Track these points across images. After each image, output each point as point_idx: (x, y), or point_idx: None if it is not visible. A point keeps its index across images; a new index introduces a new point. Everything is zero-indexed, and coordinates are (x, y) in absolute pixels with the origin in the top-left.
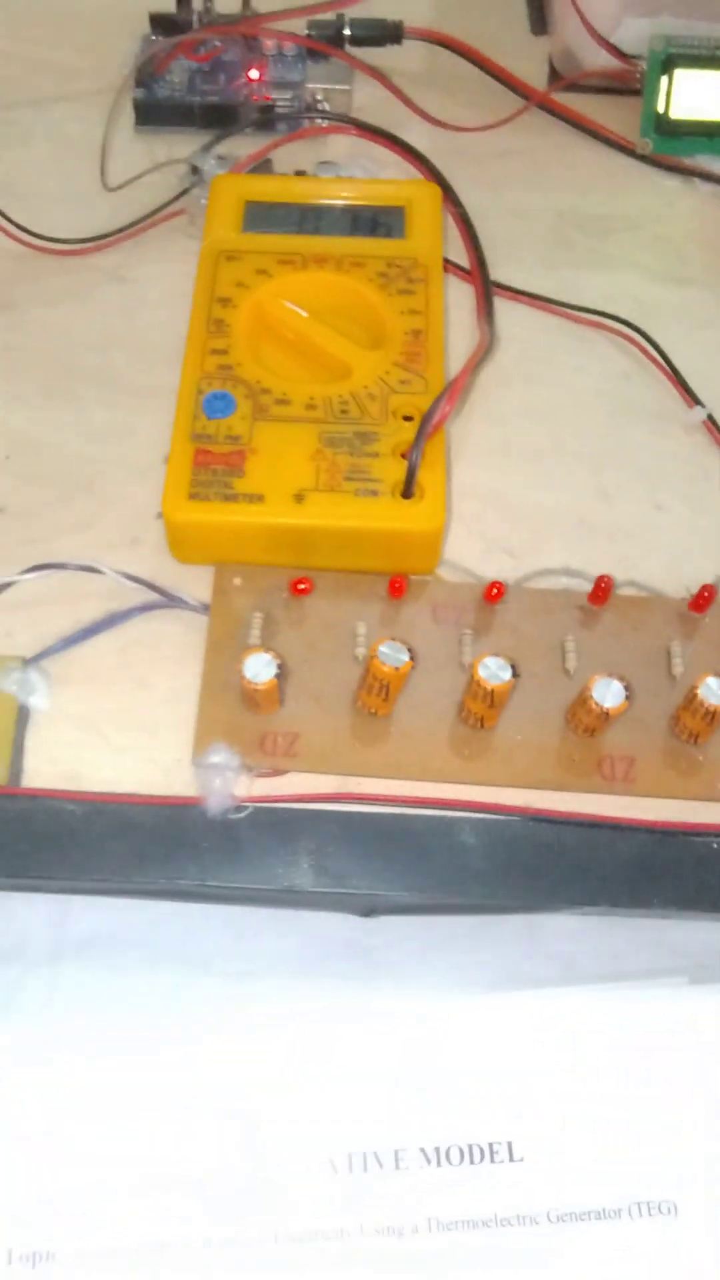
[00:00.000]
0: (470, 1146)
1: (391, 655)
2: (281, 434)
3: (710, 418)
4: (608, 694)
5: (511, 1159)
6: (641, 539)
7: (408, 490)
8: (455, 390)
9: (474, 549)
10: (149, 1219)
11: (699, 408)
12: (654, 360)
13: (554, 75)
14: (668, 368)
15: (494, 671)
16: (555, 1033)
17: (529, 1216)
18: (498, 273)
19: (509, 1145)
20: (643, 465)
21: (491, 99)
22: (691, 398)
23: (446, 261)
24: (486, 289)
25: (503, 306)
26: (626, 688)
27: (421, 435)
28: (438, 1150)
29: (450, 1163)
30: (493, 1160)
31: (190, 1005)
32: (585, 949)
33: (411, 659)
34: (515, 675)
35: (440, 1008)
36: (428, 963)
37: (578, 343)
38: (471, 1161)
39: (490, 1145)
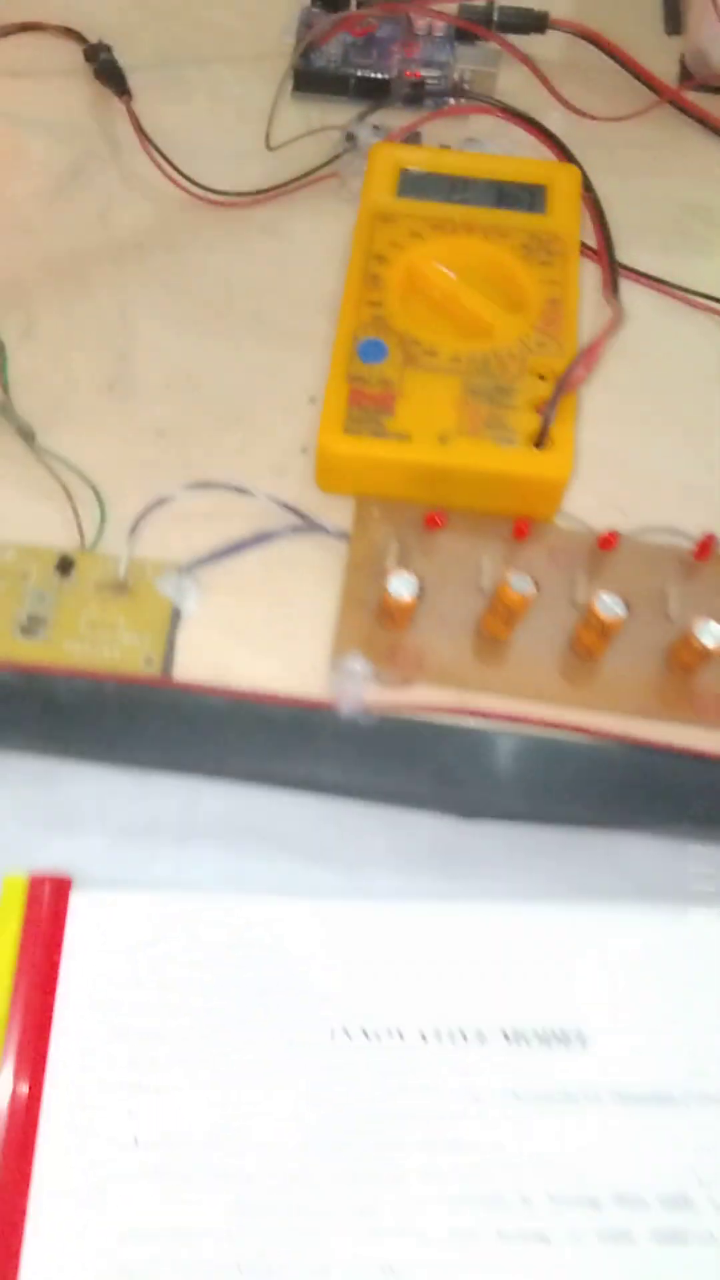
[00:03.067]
0: (545, 1031)
1: (519, 584)
2: (429, 381)
3: None
4: (707, 633)
5: (584, 1046)
6: None
7: (540, 441)
8: (592, 355)
9: (589, 504)
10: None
11: None
12: None
13: (685, 74)
14: None
15: (609, 606)
16: (623, 940)
17: (595, 1094)
18: (620, 255)
19: (580, 1033)
20: None
21: (625, 92)
22: None
23: None
24: (614, 268)
25: (624, 286)
26: None
27: (558, 392)
28: (516, 1031)
29: (526, 1044)
30: (566, 1045)
31: (301, 890)
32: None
33: (536, 589)
34: (626, 611)
35: (527, 909)
36: (514, 868)
37: (691, 325)
38: (546, 1045)
39: (563, 1031)
